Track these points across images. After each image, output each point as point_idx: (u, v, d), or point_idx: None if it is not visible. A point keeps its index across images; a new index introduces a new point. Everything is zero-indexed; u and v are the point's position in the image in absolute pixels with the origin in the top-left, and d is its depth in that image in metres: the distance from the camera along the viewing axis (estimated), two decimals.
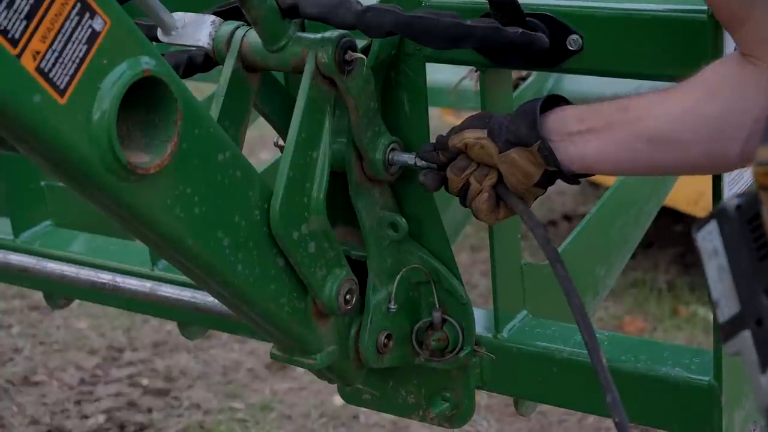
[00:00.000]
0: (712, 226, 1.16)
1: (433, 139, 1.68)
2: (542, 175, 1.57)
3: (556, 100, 1.58)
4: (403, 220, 1.74)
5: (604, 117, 1.53)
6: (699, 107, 1.46)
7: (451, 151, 1.63)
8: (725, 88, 1.44)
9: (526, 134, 1.54)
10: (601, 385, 1.48)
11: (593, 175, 1.61)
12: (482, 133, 1.59)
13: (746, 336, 1.13)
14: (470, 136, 1.60)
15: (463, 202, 1.65)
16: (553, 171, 1.56)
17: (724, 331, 1.16)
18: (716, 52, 1.52)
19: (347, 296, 1.65)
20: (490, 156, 1.59)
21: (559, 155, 1.53)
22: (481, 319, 1.84)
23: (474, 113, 1.67)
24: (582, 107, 1.57)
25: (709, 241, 1.16)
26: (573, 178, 1.58)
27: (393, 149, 1.69)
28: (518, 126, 1.55)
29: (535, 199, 1.65)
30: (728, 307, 1.15)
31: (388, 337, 1.76)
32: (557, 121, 1.55)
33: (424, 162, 1.67)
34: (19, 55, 1.17)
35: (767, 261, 1.11)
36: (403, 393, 1.91)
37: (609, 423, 3.68)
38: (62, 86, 1.21)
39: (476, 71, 1.77)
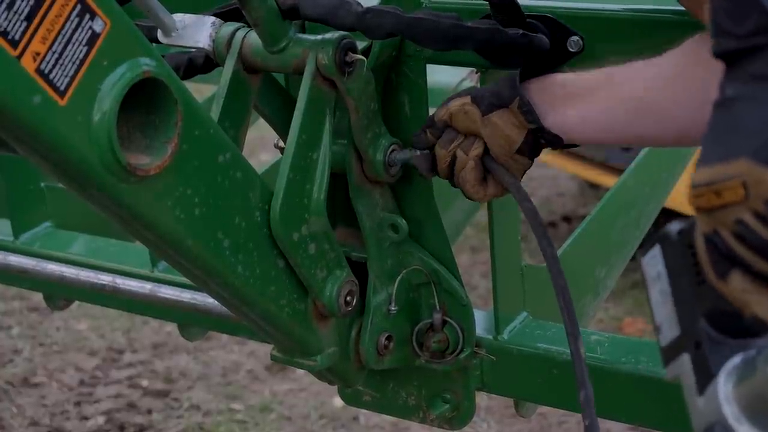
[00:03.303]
0: (656, 251, 1.16)
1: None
2: (525, 139, 1.56)
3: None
4: (404, 221, 1.74)
5: (587, 83, 1.52)
6: (685, 72, 1.43)
7: (437, 128, 1.63)
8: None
9: (507, 95, 1.54)
10: (575, 379, 1.48)
11: (576, 145, 1.59)
12: (466, 99, 1.60)
13: (685, 359, 1.13)
14: (455, 104, 1.61)
15: (452, 179, 1.64)
16: (536, 133, 1.55)
17: (665, 355, 1.16)
18: None
19: (347, 297, 1.65)
20: (474, 122, 1.58)
21: (540, 118, 1.53)
22: (481, 320, 1.84)
23: None
24: (566, 74, 1.56)
25: (652, 265, 1.17)
26: (555, 139, 1.55)
27: (393, 150, 1.69)
28: (500, 88, 1.56)
29: (524, 172, 1.63)
30: (669, 330, 1.15)
31: (389, 338, 1.76)
32: (540, 87, 1.55)
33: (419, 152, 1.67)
34: (20, 57, 1.16)
35: (706, 285, 1.10)
36: (403, 394, 1.91)
37: (609, 424, 3.69)
38: (62, 87, 1.21)
39: (477, 72, 1.77)
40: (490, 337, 1.84)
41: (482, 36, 1.54)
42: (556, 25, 1.60)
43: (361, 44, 1.61)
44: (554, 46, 1.60)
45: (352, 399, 1.97)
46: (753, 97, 1.04)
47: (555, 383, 1.81)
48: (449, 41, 1.54)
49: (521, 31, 1.57)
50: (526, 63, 1.63)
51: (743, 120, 1.04)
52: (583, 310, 2.14)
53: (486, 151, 1.60)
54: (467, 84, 2.81)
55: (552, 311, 1.80)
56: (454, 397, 1.87)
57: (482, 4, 1.60)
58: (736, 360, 1.07)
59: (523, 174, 1.63)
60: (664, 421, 1.74)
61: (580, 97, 1.51)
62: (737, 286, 1.05)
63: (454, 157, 1.62)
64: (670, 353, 1.16)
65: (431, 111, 1.76)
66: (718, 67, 1.37)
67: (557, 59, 1.61)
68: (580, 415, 3.74)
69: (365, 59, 1.59)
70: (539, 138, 1.56)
